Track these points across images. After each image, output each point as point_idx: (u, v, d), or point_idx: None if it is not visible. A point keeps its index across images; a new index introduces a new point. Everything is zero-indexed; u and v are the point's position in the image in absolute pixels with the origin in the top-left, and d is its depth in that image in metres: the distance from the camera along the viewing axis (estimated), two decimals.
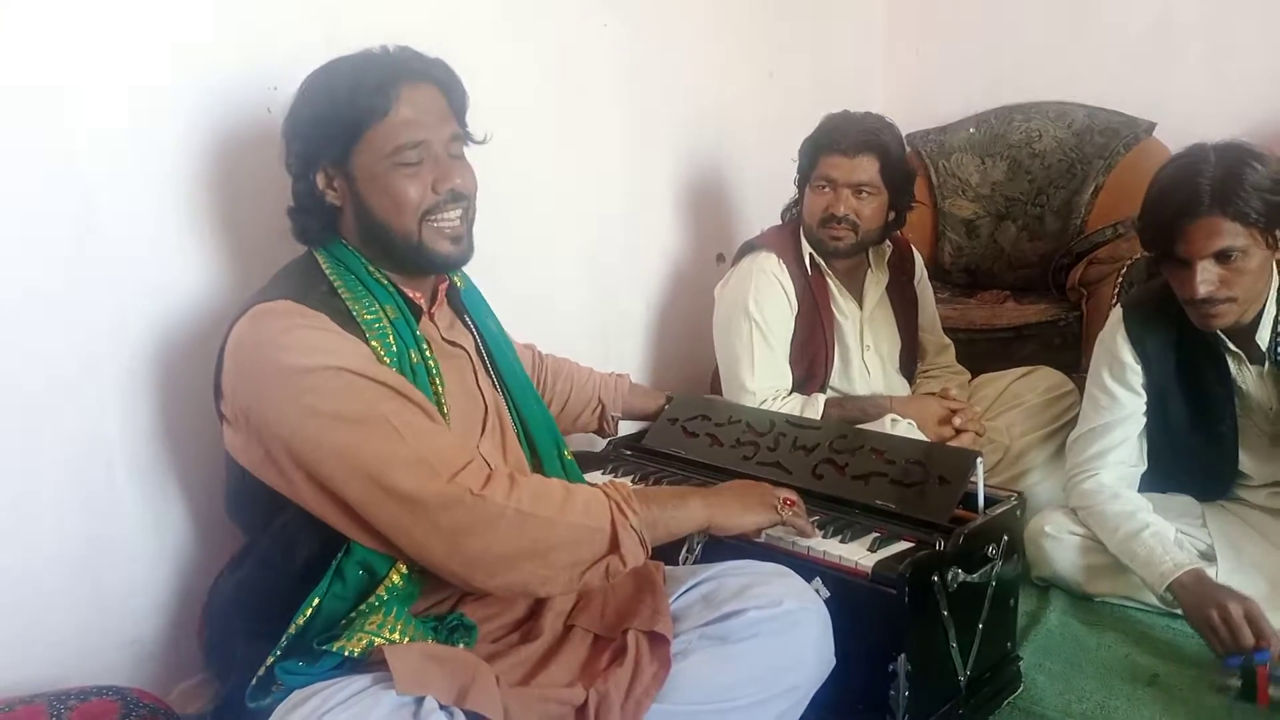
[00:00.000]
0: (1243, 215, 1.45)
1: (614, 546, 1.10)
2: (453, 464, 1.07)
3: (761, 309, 1.99)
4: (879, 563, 1.28)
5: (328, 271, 1.19)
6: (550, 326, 1.83)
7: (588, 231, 2.17)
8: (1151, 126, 2.65)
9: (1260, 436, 1.70)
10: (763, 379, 1.99)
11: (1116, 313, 1.76)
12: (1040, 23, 2.93)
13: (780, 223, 2.19)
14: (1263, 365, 1.63)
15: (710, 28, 2.49)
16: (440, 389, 1.17)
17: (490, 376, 1.33)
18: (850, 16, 3.11)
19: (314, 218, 1.21)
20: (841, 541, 1.34)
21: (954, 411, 1.95)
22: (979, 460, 1.42)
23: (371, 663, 1.03)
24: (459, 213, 1.21)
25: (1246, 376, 1.66)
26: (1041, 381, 2.13)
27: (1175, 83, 2.70)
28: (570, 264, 2.14)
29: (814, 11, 2.90)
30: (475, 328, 1.34)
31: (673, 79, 2.38)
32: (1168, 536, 1.63)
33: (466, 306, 1.35)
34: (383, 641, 1.03)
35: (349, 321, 1.13)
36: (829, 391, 2.06)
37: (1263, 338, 1.60)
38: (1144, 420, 1.73)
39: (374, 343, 1.12)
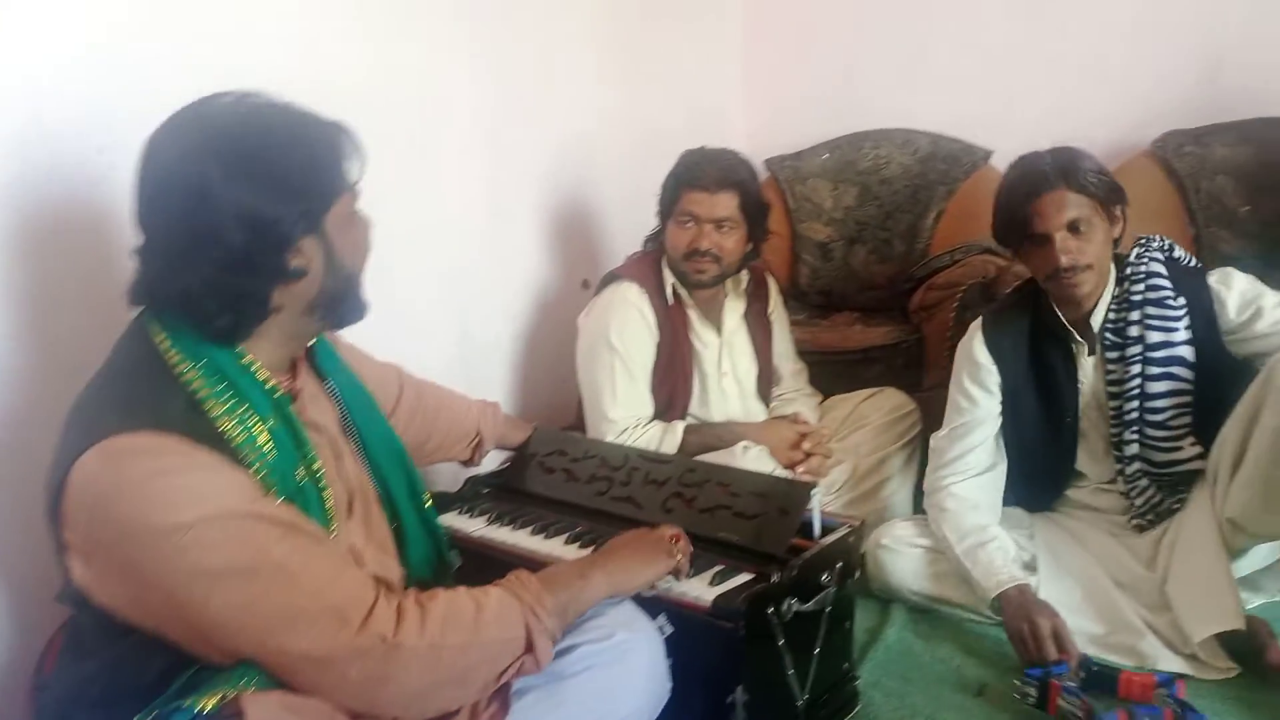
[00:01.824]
0: (1084, 188, 1.67)
1: (529, 648, 1.10)
2: (362, 605, 1.01)
3: (623, 339, 2.04)
4: (718, 597, 1.33)
5: (182, 371, 1.04)
6: (409, 349, 1.83)
7: (448, 256, 2.18)
8: (989, 154, 2.83)
9: (1095, 432, 1.84)
10: (624, 408, 2.04)
11: (976, 321, 1.91)
12: (888, 53, 3.08)
13: (642, 251, 2.24)
14: (1095, 354, 1.79)
15: (575, 55, 2.54)
16: (327, 500, 1.12)
17: (352, 443, 1.27)
18: (709, 45, 3.20)
19: (243, 308, 1.06)
20: (685, 578, 1.39)
21: (803, 436, 2.05)
22: (815, 492, 1.50)
23: (226, 716, 0.96)
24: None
25: (1085, 367, 1.81)
26: (886, 402, 2.25)
27: (1010, 113, 2.89)
28: (430, 288, 2.14)
29: (675, 41, 2.98)
30: (335, 391, 1.28)
31: (538, 106, 2.41)
32: (1009, 551, 1.76)
33: (322, 364, 1.28)
34: (238, 692, 0.97)
35: (219, 443, 1.01)
36: (688, 418, 2.13)
37: (1096, 322, 1.76)
38: (999, 421, 1.86)
39: (254, 468, 1.02)
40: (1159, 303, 1.71)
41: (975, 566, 1.72)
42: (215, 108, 1.08)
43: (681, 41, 3.02)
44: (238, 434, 1.03)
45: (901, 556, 1.85)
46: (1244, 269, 1.79)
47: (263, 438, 1.05)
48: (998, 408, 1.86)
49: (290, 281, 1.08)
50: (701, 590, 1.35)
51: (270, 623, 0.98)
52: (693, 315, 2.13)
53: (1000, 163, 2.82)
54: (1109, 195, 1.70)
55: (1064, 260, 1.67)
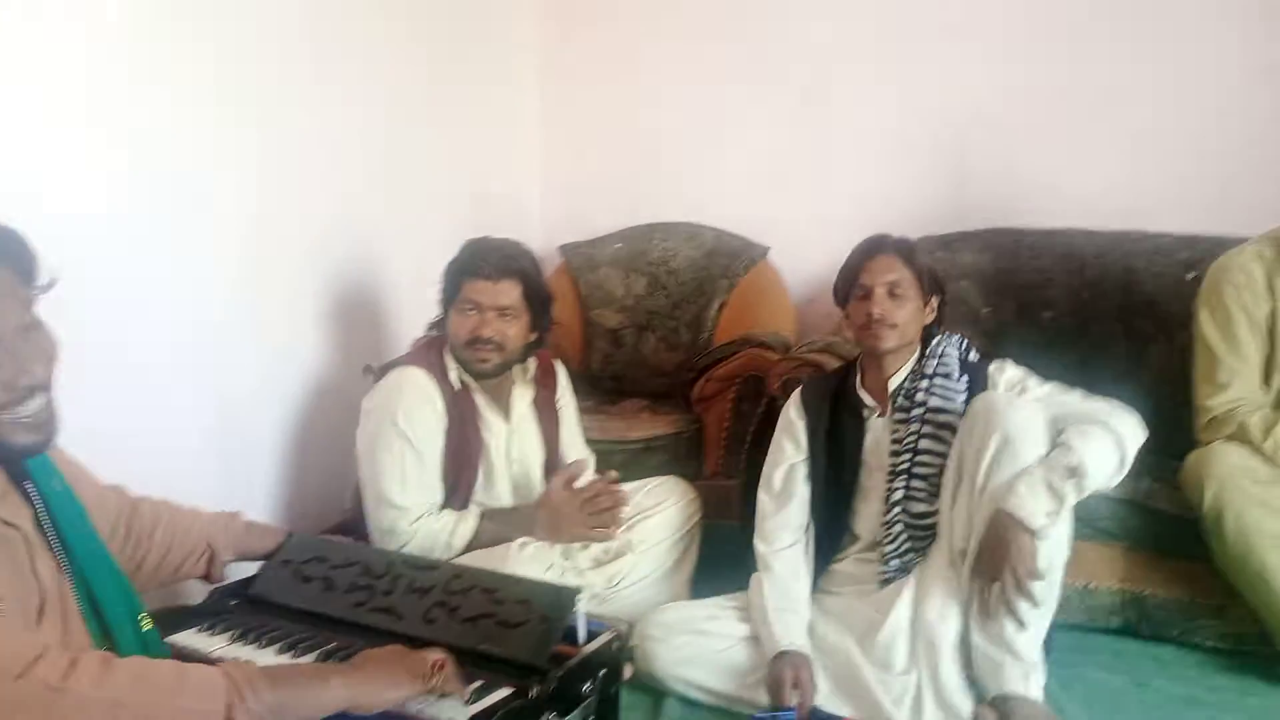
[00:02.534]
0: (912, 262, 1.94)
1: None
2: (21, 657, 0.96)
3: (411, 423, 1.99)
4: (473, 718, 1.28)
5: None
6: (158, 464, 1.70)
7: (205, 357, 2.05)
8: (765, 251, 2.99)
9: (875, 492, 1.95)
10: (413, 494, 1.98)
11: (799, 387, 2.10)
12: (679, 150, 3.23)
13: (425, 338, 2.20)
14: (888, 417, 1.95)
15: (357, 134, 2.49)
16: None
17: (51, 552, 1.19)
18: (505, 130, 3.24)
19: None
20: (440, 696, 1.34)
21: (590, 496, 2.05)
22: (580, 596, 1.49)
23: None
24: (41, 400, 1.11)
25: (875, 428, 1.96)
26: (669, 492, 2.28)
27: (784, 212, 3.08)
28: (185, 394, 2.01)
29: (469, 126, 2.99)
30: (36, 495, 1.21)
31: (316, 190, 2.33)
32: (804, 627, 1.87)
33: (29, 470, 1.21)
34: None
35: None
36: (472, 506, 2.08)
37: (893, 384, 1.94)
38: (807, 474, 2.00)
39: None
40: (946, 376, 1.92)
41: (774, 626, 1.84)
42: None
43: (476, 127, 3.04)
44: None
45: (667, 645, 1.88)
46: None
47: None
48: (804, 457, 2.01)
49: None
50: (456, 711, 1.29)
51: None
52: (480, 402, 2.10)
53: (775, 259, 3.02)
54: (930, 282, 1.97)
55: (876, 311, 1.89)
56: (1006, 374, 1.94)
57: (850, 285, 1.97)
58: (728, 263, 2.94)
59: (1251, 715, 1.88)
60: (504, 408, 2.15)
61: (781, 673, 1.76)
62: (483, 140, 3.09)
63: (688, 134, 3.22)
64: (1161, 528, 2.10)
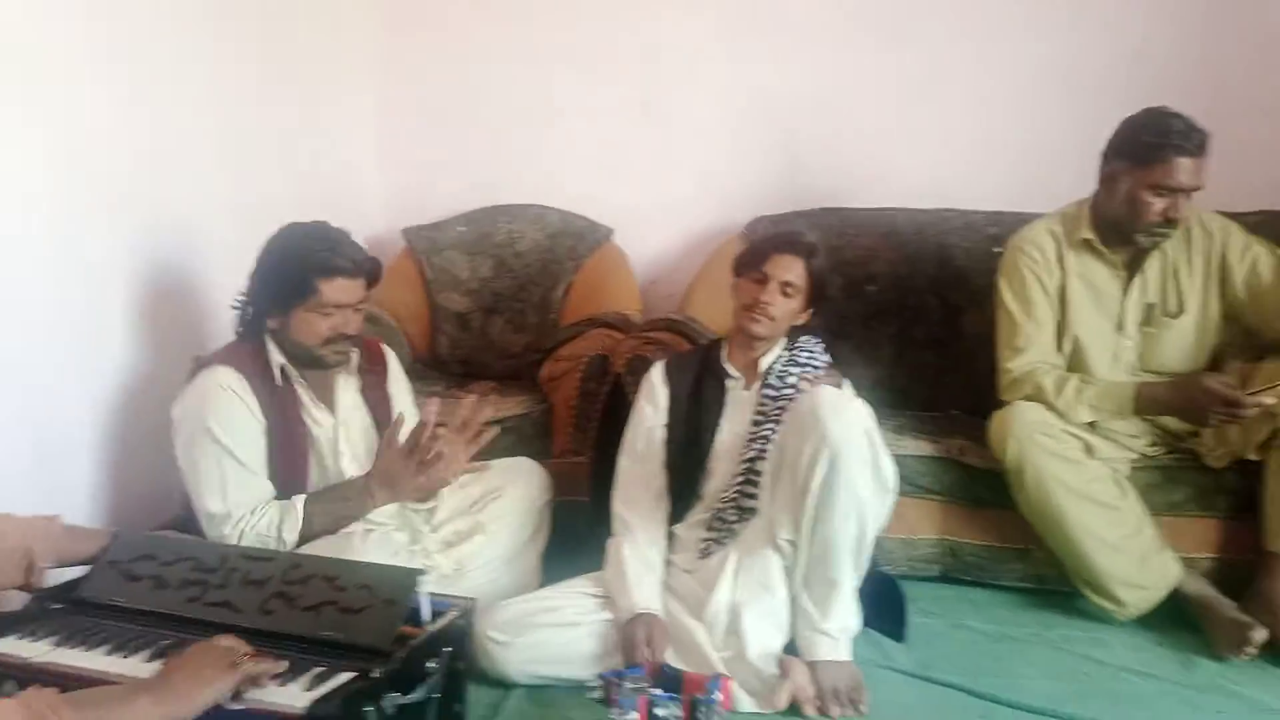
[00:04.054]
0: (812, 269, 2.06)
1: None
2: None
3: (224, 426, 1.90)
4: (314, 703, 1.28)
5: None
6: None
7: (7, 351, 1.93)
8: (610, 232, 3.05)
9: (729, 456, 2.04)
10: (235, 496, 1.90)
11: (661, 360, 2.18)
12: (521, 131, 3.23)
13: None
14: (752, 394, 2.06)
15: (175, 107, 2.37)
16: None
17: None
18: (340, 112, 3.16)
19: None
20: (281, 684, 1.33)
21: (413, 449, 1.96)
22: (423, 576, 1.51)
23: None
24: None
25: (739, 401, 2.06)
26: (520, 472, 2.29)
27: (628, 194, 3.14)
28: None
29: (302, 103, 2.90)
30: None
31: (127, 164, 2.21)
32: (658, 586, 1.94)
33: None
34: None
35: None
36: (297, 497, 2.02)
37: (763, 364, 2.07)
38: (665, 439, 2.08)
39: None
40: (814, 368, 2.07)
41: (631, 590, 1.91)
42: None
43: (310, 107, 2.95)
44: None
45: (513, 647, 1.86)
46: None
47: None
48: (663, 423, 2.09)
49: None
50: (295, 697, 1.29)
51: None
52: (304, 396, 2.05)
53: (620, 240, 3.08)
54: (819, 290, 2.08)
55: (763, 300, 2.01)
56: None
57: (751, 265, 2.07)
58: (573, 244, 2.98)
59: (1053, 645, 2.09)
60: (329, 400, 2.08)
61: (635, 633, 1.83)
62: (317, 121, 3.00)
63: (531, 116, 3.22)
64: (974, 481, 2.29)
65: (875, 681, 1.87)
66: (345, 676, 1.35)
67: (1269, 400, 1.96)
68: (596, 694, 1.70)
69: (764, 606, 1.88)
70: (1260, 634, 1.96)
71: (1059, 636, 2.12)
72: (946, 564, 2.34)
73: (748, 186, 3.11)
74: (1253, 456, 2.12)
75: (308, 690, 1.31)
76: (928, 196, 2.91)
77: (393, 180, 3.34)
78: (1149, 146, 2.14)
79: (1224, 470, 2.18)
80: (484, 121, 3.26)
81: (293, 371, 2.02)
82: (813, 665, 1.83)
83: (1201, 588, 2.11)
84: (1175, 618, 2.11)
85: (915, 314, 2.76)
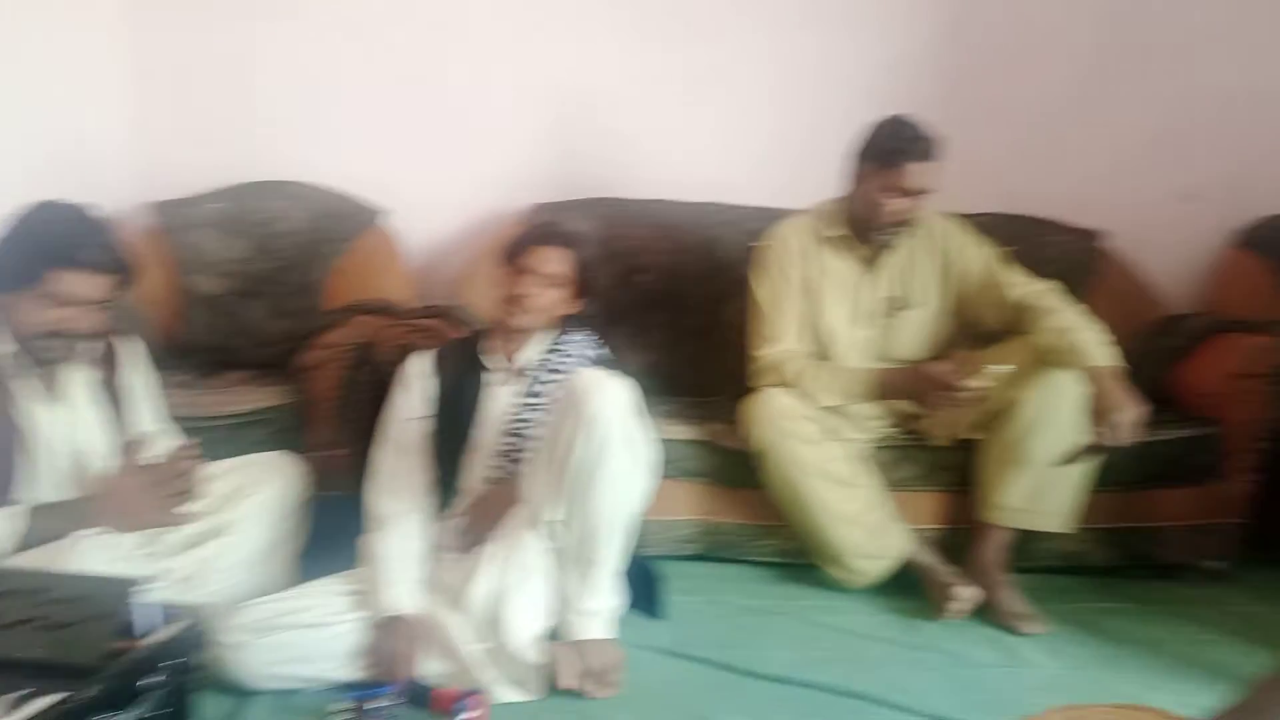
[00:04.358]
0: (578, 260, 2.05)
1: None
2: None
3: None
4: None
5: None
6: None
7: None
8: (379, 214, 2.94)
9: (484, 453, 2.03)
10: None
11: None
12: (285, 105, 3.05)
13: None
14: (514, 384, 2.05)
15: None
16: None
17: None
18: (84, 72, 2.87)
19: None
20: None
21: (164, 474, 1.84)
22: (138, 585, 1.40)
23: None
24: None
25: (500, 395, 2.04)
26: (273, 469, 2.17)
27: (402, 175, 3.04)
28: None
29: (40, 63, 2.61)
30: None
31: None
32: (416, 583, 1.89)
33: None
34: None
35: None
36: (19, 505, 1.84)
37: (522, 359, 2.05)
38: (426, 430, 2.04)
39: None
40: (581, 359, 2.07)
41: (382, 589, 1.86)
42: None
43: (48, 66, 2.65)
44: None
45: (249, 651, 1.77)
46: (596, 329, 2.17)
47: None
48: (424, 417, 2.05)
49: None
50: None
51: None
52: (16, 388, 1.84)
53: (393, 223, 2.98)
54: (588, 282, 2.07)
55: (524, 289, 2.00)
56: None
57: (513, 256, 2.05)
58: (339, 226, 2.86)
59: (797, 616, 2.23)
60: (53, 391, 1.91)
61: (387, 644, 1.78)
62: (57, 85, 2.70)
63: (300, 86, 3.05)
64: (730, 463, 2.40)
65: (635, 661, 1.93)
66: (53, 698, 1.25)
67: (979, 384, 2.17)
68: (344, 716, 1.64)
69: (526, 592, 1.89)
70: (966, 593, 2.19)
71: (803, 607, 2.26)
72: (705, 543, 2.45)
73: (528, 173, 3.09)
74: (970, 435, 2.35)
75: (8, 715, 1.20)
76: (698, 189, 3.01)
77: (145, 150, 3.06)
78: (886, 151, 2.31)
79: (947, 448, 2.40)
80: (248, 90, 3.05)
81: (13, 361, 1.82)
82: (575, 645, 1.86)
83: (926, 556, 2.32)
84: (905, 584, 2.31)
85: (683, 304, 2.86)
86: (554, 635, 1.90)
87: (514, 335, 2.09)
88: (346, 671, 1.80)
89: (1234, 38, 3.02)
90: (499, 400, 2.08)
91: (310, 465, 2.22)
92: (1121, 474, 2.31)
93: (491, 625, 1.85)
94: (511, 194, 3.03)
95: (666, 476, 2.32)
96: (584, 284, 2.10)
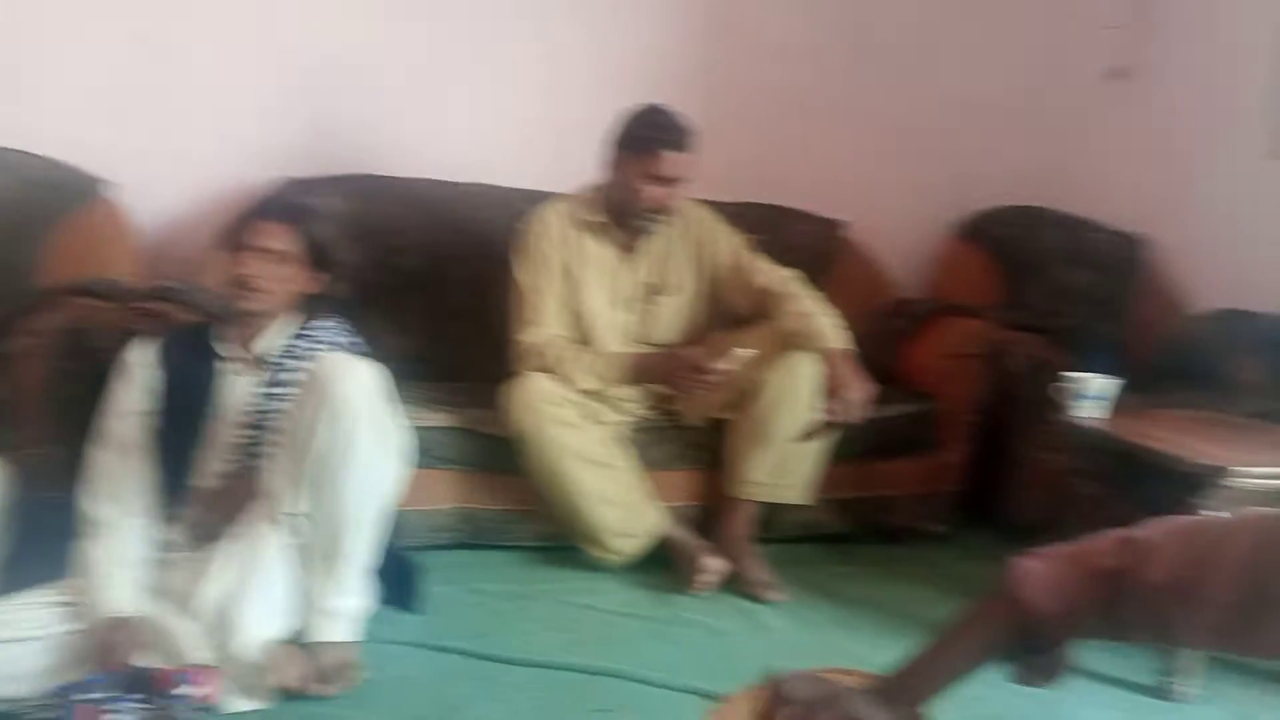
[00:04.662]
0: (304, 232, 1.91)
1: None
2: None
3: None
4: None
5: None
6: None
7: None
8: (102, 185, 2.66)
9: (223, 443, 1.90)
10: None
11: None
12: None
13: None
14: (253, 374, 1.90)
15: None
16: None
17: None
18: None
19: None
20: None
21: None
22: None
23: None
24: None
25: (237, 385, 1.89)
26: None
27: (131, 144, 2.77)
28: None
29: None
30: None
31: None
32: (138, 581, 1.77)
33: None
34: None
35: None
36: None
37: (261, 347, 1.90)
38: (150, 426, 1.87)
39: None
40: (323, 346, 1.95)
41: (100, 592, 1.72)
42: None
43: None
44: None
45: None
46: (348, 312, 2.06)
47: None
48: (148, 412, 1.88)
49: None
50: None
51: None
52: None
53: (121, 196, 2.71)
54: (321, 256, 1.93)
55: (247, 273, 1.86)
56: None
57: (235, 235, 1.91)
58: (55, 198, 2.56)
59: (556, 599, 2.25)
60: None
61: (103, 638, 1.66)
62: None
63: (6, 44, 2.70)
64: (491, 449, 2.37)
65: (385, 656, 1.88)
66: None
67: (726, 367, 2.28)
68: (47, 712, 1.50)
69: (261, 592, 1.78)
70: (714, 565, 2.29)
71: (562, 589, 2.29)
72: (465, 531, 2.42)
73: (277, 146, 2.90)
74: (721, 415, 2.46)
75: None
76: (464, 170, 2.95)
77: None
78: (642, 139, 2.36)
79: (700, 428, 2.50)
80: None
81: None
82: (310, 648, 1.78)
83: (680, 532, 2.41)
84: (661, 561, 2.39)
85: (448, 286, 2.80)
86: (297, 638, 1.81)
87: (250, 321, 1.95)
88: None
89: (959, 51, 3.34)
90: (237, 391, 1.94)
91: (16, 465, 2.01)
92: (854, 448, 2.50)
93: (221, 629, 1.74)
94: (259, 168, 2.83)
95: (425, 465, 2.29)
96: (318, 261, 1.97)
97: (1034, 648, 0.96)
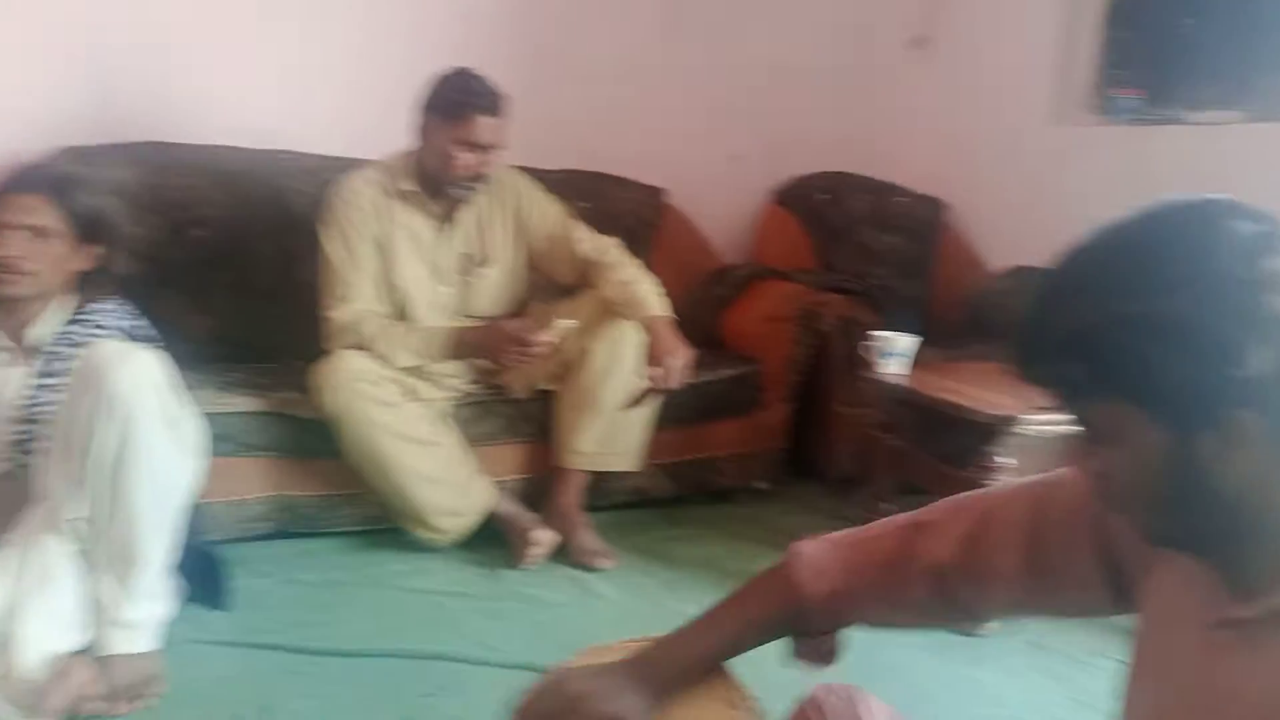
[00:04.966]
0: (65, 204, 1.75)
1: None
2: None
3: None
4: None
5: None
6: None
7: None
8: None
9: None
10: None
11: None
12: None
13: None
14: (29, 365, 1.74)
15: None
16: None
17: None
18: None
19: None
20: None
21: None
22: None
23: None
24: None
25: (7, 376, 1.72)
26: None
27: None
28: None
29: None
30: None
31: None
32: None
33: None
34: None
35: None
36: None
37: (32, 335, 1.74)
38: None
39: None
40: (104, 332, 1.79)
41: None
42: None
43: None
44: None
45: None
46: (137, 292, 1.91)
47: None
48: None
49: None
50: None
51: None
52: None
53: None
54: (89, 228, 1.78)
55: (6, 254, 1.70)
56: None
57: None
58: None
59: (379, 583, 2.17)
60: None
61: None
62: None
63: None
64: (305, 433, 2.25)
65: (190, 658, 1.76)
66: None
67: (549, 338, 2.25)
68: None
69: (45, 604, 1.61)
70: (544, 537, 2.28)
71: (386, 574, 2.22)
72: (281, 519, 2.29)
73: (47, 113, 2.61)
74: (547, 386, 2.43)
75: None
76: (265, 136, 2.75)
77: None
78: (453, 104, 2.27)
79: (528, 401, 2.46)
80: None
81: None
82: (102, 661, 1.64)
83: (509, 507, 2.37)
84: (490, 537, 2.35)
85: (251, 260, 2.62)
86: (87, 652, 1.66)
87: (18, 307, 1.76)
88: None
89: (773, 19, 3.39)
90: (8, 384, 1.75)
91: None
92: (680, 412, 2.53)
93: (0, 644, 1.57)
94: (37, 137, 2.54)
95: (232, 453, 2.17)
96: (88, 235, 1.80)
97: (806, 630, 0.96)
